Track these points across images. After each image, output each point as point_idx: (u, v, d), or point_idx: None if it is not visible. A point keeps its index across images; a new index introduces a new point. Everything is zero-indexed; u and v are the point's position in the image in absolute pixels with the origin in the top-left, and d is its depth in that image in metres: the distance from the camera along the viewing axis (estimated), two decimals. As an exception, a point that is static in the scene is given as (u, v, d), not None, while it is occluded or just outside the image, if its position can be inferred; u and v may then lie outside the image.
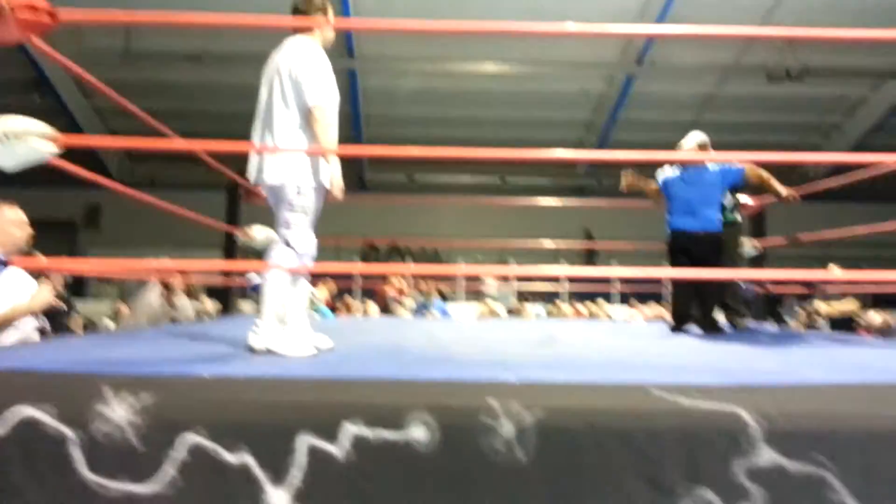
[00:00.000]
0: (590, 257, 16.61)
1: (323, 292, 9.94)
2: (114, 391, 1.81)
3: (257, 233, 4.97)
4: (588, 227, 16.18)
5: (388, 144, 15.64)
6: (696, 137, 4.90)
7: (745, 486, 1.78)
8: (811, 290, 6.76)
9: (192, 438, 1.76)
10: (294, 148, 2.87)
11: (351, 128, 15.87)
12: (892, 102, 14.95)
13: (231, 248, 4.99)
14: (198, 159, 4.69)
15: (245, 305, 7.90)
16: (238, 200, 5.11)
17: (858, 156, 4.37)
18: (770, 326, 6.23)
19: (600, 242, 11.87)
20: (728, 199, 5.06)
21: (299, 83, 2.87)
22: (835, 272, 5.93)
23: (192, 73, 13.81)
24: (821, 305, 6.49)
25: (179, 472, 1.75)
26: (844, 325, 6.39)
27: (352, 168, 17.94)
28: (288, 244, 2.89)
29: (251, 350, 2.77)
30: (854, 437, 1.82)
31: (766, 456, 1.79)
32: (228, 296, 5.33)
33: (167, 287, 5.45)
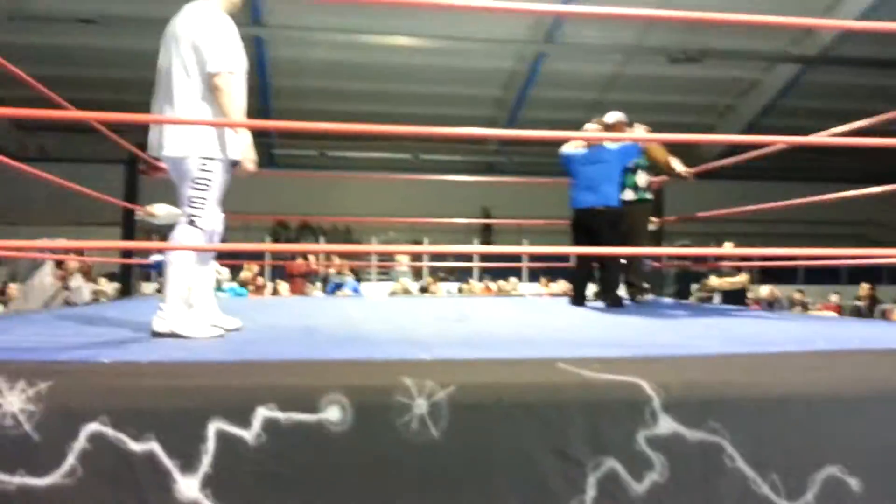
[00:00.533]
0: (486, 235, 16.82)
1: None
2: (7, 379, 1.71)
3: (159, 210, 4.76)
4: (487, 205, 16.35)
5: (298, 118, 15.28)
6: (614, 116, 5.04)
7: (648, 455, 1.87)
8: (707, 266, 7.16)
9: (93, 428, 1.69)
10: (199, 120, 2.73)
11: (259, 100, 15.38)
12: (782, 85, 15.87)
13: (131, 227, 4.76)
14: (94, 130, 4.43)
15: (146, 287, 7.59)
16: (137, 175, 4.86)
17: (752, 137, 4.65)
18: (677, 301, 6.55)
19: (506, 220, 12.09)
20: (642, 179, 5.27)
21: (200, 50, 2.72)
22: (727, 248, 6.30)
23: (86, 37, 12.97)
24: (713, 280, 6.90)
25: (81, 464, 1.68)
26: (736, 298, 6.81)
27: (261, 143, 17.40)
28: (192, 222, 2.76)
29: (155, 334, 2.65)
30: (745, 404, 1.95)
31: (666, 425, 1.89)
32: (129, 277, 5.08)
33: (61, 268, 5.15)
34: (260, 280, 10.56)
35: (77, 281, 5.23)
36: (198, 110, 2.75)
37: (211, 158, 2.76)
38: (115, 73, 13.82)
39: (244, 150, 2.86)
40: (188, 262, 2.75)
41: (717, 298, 6.95)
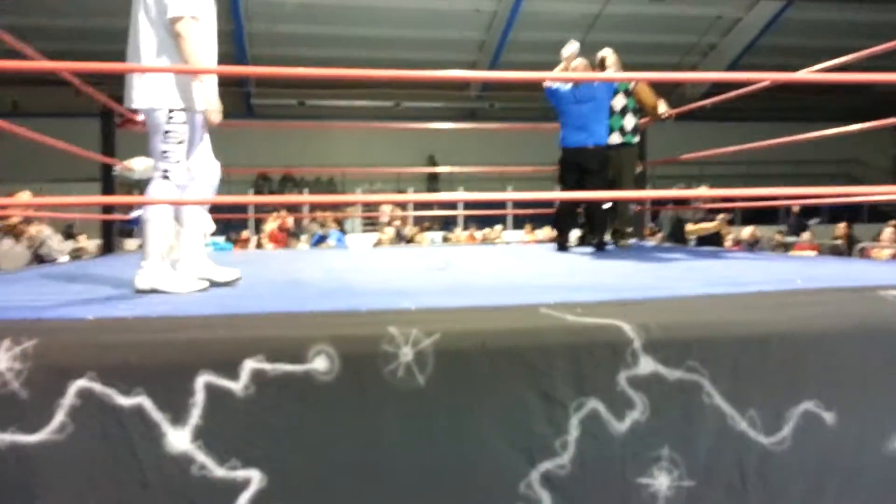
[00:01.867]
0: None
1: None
2: (-9, 339, 1.72)
3: (137, 164, 4.70)
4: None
5: (274, 65, 14.99)
6: (573, 46, 4.96)
7: (629, 395, 1.93)
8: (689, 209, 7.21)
9: (81, 384, 1.71)
10: (166, 68, 2.65)
11: (234, 46, 15.00)
12: (764, 23, 15.71)
13: (109, 182, 4.69)
14: (67, 83, 4.32)
15: (129, 243, 7.52)
16: (114, 128, 4.76)
17: (735, 75, 4.61)
18: (662, 245, 6.61)
19: (492, 168, 12.03)
20: (630, 121, 5.23)
21: None
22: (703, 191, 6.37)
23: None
24: (689, 226, 6.95)
25: (71, 419, 1.70)
26: (712, 243, 6.88)
27: (238, 92, 17.08)
28: (165, 176, 2.71)
29: (137, 291, 2.63)
30: (723, 344, 2.00)
31: (646, 365, 1.94)
32: (109, 233, 5.03)
33: (16, 231, 5.04)
34: (244, 234, 10.51)
35: (51, 238, 5.15)
36: (162, 60, 2.67)
37: (178, 110, 2.69)
38: (87, 22, 13.39)
39: (209, 99, 2.79)
40: (165, 218, 2.71)
41: (693, 243, 6.99)
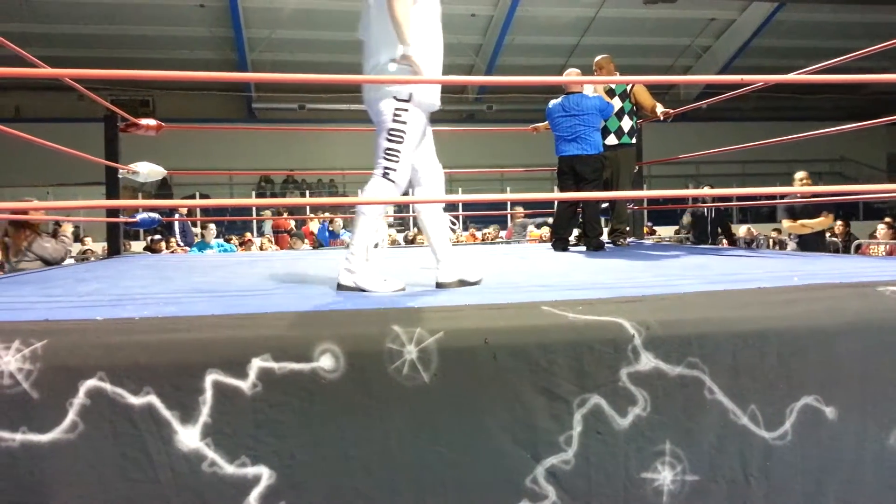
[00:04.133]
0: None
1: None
2: (2, 340, 1.74)
3: (141, 168, 4.73)
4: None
5: (273, 70, 15.09)
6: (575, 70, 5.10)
7: (631, 391, 1.96)
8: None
9: (92, 384, 1.73)
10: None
11: (234, 52, 15.06)
12: (756, 24, 15.80)
13: (114, 185, 4.72)
14: (69, 89, 4.33)
15: (135, 245, 7.56)
16: (117, 133, 4.79)
17: (729, 77, 4.65)
18: (657, 243, 6.63)
19: (490, 170, 12.07)
20: (626, 123, 5.30)
21: None
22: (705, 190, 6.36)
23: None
24: (787, 223, 6.81)
25: (82, 419, 1.73)
26: (814, 241, 6.69)
27: (239, 97, 17.13)
28: (386, 175, 2.57)
29: (340, 287, 2.59)
30: (723, 339, 2.02)
31: (647, 361, 1.97)
32: (116, 235, 5.06)
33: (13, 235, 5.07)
34: (247, 236, 10.55)
35: (48, 241, 5.17)
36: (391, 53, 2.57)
37: (406, 101, 2.58)
38: (84, 28, 13.42)
39: (435, 94, 2.67)
40: (378, 217, 2.65)
41: (793, 243, 6.88)
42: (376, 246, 2.78)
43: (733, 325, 2.06)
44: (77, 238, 7.97)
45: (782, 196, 6.88)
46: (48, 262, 5.04)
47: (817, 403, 2.06)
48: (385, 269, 2.90)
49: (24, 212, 4.63)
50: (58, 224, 4.94)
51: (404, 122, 2.60)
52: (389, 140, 2.59)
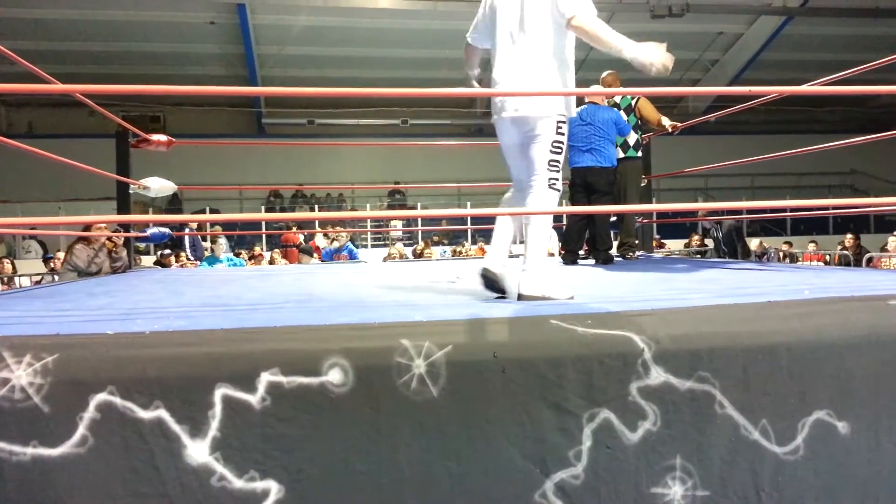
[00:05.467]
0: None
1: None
2: (14, 354, 1.75)
3: (152, 183, 4.77)
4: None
5: (284, 86, 15.20)
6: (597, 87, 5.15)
7: (641, 405, 1.94)
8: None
9: (102, 398, 1.74)
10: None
11: (245, 68, 15.19)
12: (765, 38, 15.82)
13: (125, 200, 4.76)
14: (81, 105, 4.39)
15: (145, 260, 7.60)
16: (128, 148, 4.84)
17: (738, 89, 4.66)
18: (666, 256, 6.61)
19: (495, 184, 12.09)
20: (632, 137, 5.33)
21: None
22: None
23: (66, 9, 12.73)
24: None
25: (92, 433, 1.73)
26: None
27: (249, 112, 17.26)
28: (552, 186, 2.68)
29: (521, 297, 2.59)
30: (734, 353, 2.01)
31: (657, 375, 1.96)
32: (128, 249, 5.10)
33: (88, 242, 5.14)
34: (257, 250, 10.59)
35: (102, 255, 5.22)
36: (552, 65, 2.69)
37: (563, 117, 2.69)
38: (96, 45, 13.58)
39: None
40: (549, 225, 2.72)
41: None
42: (550, 254, 2.80)
43: (744, 338, 2.05)
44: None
45: (793, 209, 6.85)
46: (82, 273, 5.08)
47: (829, 418, 2.04)
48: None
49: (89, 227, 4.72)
50: (109, 238, 4.98)
51: (563, 134, 2.72)
52: (553, 152, 2.69)
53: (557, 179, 2.71)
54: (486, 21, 2.92)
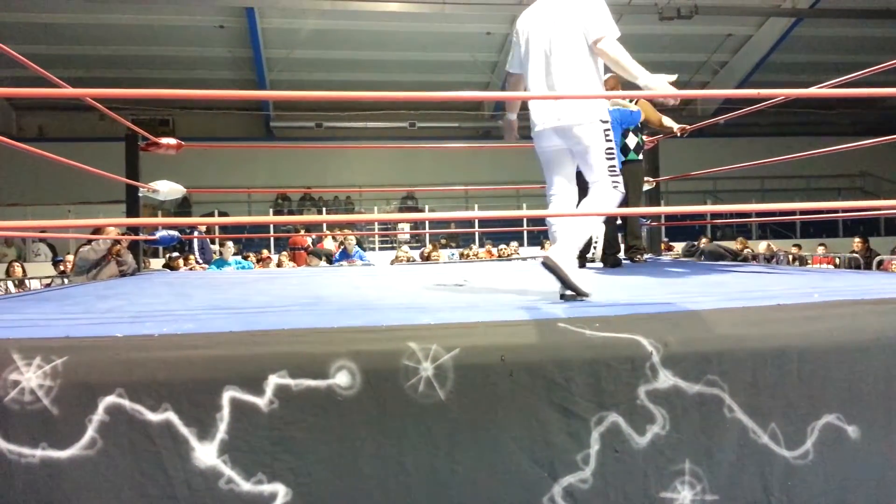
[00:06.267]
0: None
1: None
2: (24, 356, 1.76)
3: (161, 186, 4.79)
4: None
5: (291, 89, 15.24)
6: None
7: (649, 409, 1.94)
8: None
9: (111, 400, 1.75)
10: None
11: (253, 71, 15.25)
12: (774, 40, 15.76)
13: (134, 203, 4.79)
14: (90, 109, 4.42)
15: (154, 263, 7.63)
16: (137, 151, 4.87)
17: (747, 91, 4.63)
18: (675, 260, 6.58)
19: (506, 186, 12.08)
20: (632, 140, 5.30)
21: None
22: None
23: (76, 14, 12.83)
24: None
25: (101, 435, 1.74)
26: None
27: (257, 115, 17.32)
28: (616, 187, 2.85)
29: (545, 261, 2.65)
30: (742, 357, 2.00)
31: (666, 379, 1.95)
32: (136, 252, 5.13)
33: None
34: (265, 253, 10.63)
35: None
36: (592, 76, 2.89)
37: (606, 122, 2.85)
38: (105, 49, 13.67)
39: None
40: (599, 222, 2.92)
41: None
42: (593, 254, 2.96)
43: (753, 342, 2.04)
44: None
45: (802, 212, 6.81)
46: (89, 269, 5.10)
47: (839, 422, 2.03)
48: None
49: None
50: (116, 242, 5.00)
51: (611, 140, 2.88)
52: (608, 158, 2.86)
53: (619, 182, 2.85)
54: (520, 47, 3.14)
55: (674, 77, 2.90)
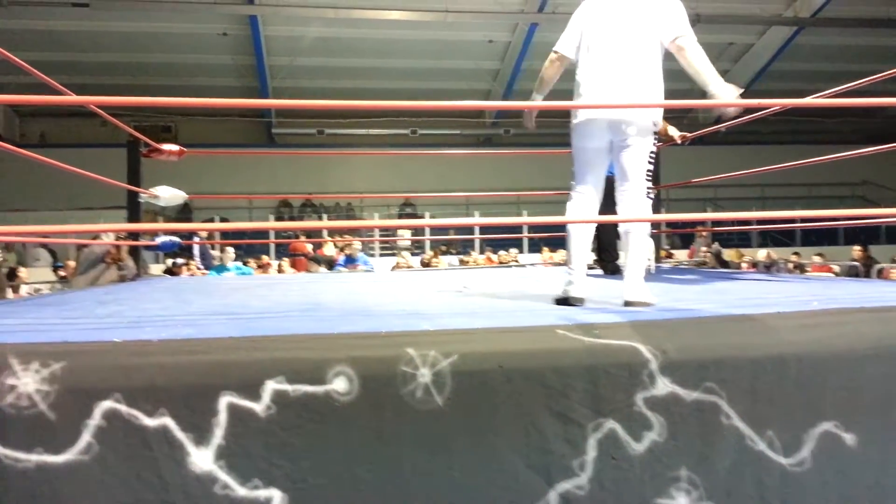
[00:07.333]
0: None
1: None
2: (21, 361, 1.76)
3: (162, 192, 4.80)
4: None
5: (294, 97, 15.29)
6: None
7: (647, 416, 1.93)
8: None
9: (107, 405, 1.75)
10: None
11: (256, 79, 15.30)
12: (775, 48, 15.79)
13: (135, 209, 4.79)
14: (92, 115, 4.44)
15: (155, 268, 7.65)
16: (139, 158, 4.88)
17: (747, 101, 4.63)
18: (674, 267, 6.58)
19: (506, 192, 12.10)
20: None
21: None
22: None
23: (79, 20, 12.88)
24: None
25: (97, 440, 1.73)
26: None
27: (259, 122, 17.37)
28: (649, 195, 2.82)
29: (628, 303, 2.65)
30: (740, 364, 2.00)
31: (663, 386, 1.95)
32: (136, 258, 5.13)
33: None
34: (265, 258, 10.63)
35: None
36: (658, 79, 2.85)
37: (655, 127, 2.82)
38: (108, 56, 13.72)
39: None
40: (649, 232, 2.86)
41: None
42: (648, 261, 3.07)
43: (751, 349, 2.04)
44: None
45: (803, 220, 6.81)
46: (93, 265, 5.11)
47: (837, 430, 2.03)
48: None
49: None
50: (116, 247, 5.01)
51: (655, 145, 2.87)
52: (651, 163, 2.82)
53: (651, 188, 2.83)
54: (580, 33, 3.03)
55: (741, 90, 2.81)
